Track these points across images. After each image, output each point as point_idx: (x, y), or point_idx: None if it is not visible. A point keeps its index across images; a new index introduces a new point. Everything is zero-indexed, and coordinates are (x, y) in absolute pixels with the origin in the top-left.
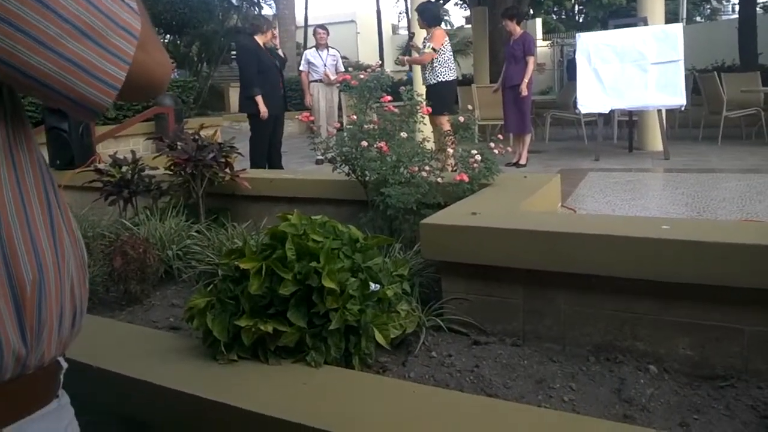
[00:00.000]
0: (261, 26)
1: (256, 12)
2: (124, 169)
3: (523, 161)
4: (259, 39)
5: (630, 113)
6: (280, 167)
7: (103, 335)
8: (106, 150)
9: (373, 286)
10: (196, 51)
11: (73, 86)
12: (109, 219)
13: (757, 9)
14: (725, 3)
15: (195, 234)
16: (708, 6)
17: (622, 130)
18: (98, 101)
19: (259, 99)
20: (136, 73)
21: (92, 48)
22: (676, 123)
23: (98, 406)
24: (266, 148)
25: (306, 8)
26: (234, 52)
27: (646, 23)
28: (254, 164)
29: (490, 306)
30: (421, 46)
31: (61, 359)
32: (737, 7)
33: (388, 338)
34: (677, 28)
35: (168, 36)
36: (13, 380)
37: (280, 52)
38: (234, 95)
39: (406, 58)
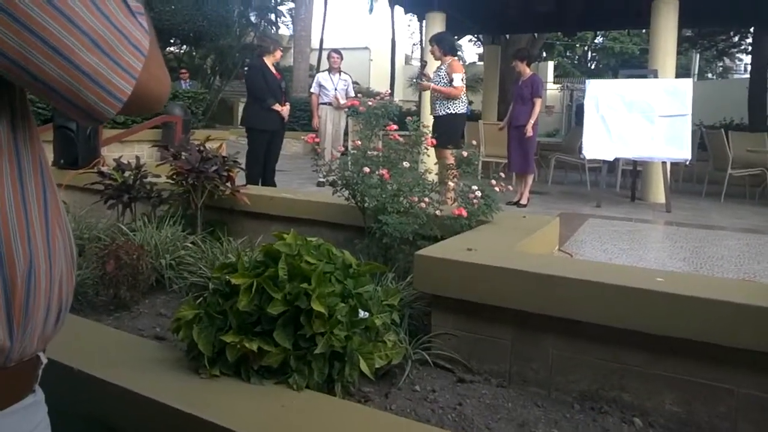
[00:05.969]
0: (268, 47)
1: (273, 31)
2: (126, 174)
3: (524, 201)
4: (268, 60)
5: (634, 163)
6: (273, 185)
7: (87, 338)
8: (111, 153)
9: (362, 313)
10: (210, 64)
11: (81, 95)
12: (106, 222)
13: None
14: (738, 62)
15: (190, 245)
16: (720, 64)
17: (626, 179)
18: (103, 111)
19: (277, 106)
20: (138, 88)
21: (104, 61)
22: (681, 177)
23: (73, 408)
24: (262, 163)
25: (322, 31)
26: (246, 69)
27: (656, 76)
28: (249, 178)
29: (478, 344)
30: (432, 76)
31: (41, 354)
32: (749, 68)
33: (373, 368)
34: (687, 84)
35: (184, 46)
36: None
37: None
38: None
39: (432, 85)
